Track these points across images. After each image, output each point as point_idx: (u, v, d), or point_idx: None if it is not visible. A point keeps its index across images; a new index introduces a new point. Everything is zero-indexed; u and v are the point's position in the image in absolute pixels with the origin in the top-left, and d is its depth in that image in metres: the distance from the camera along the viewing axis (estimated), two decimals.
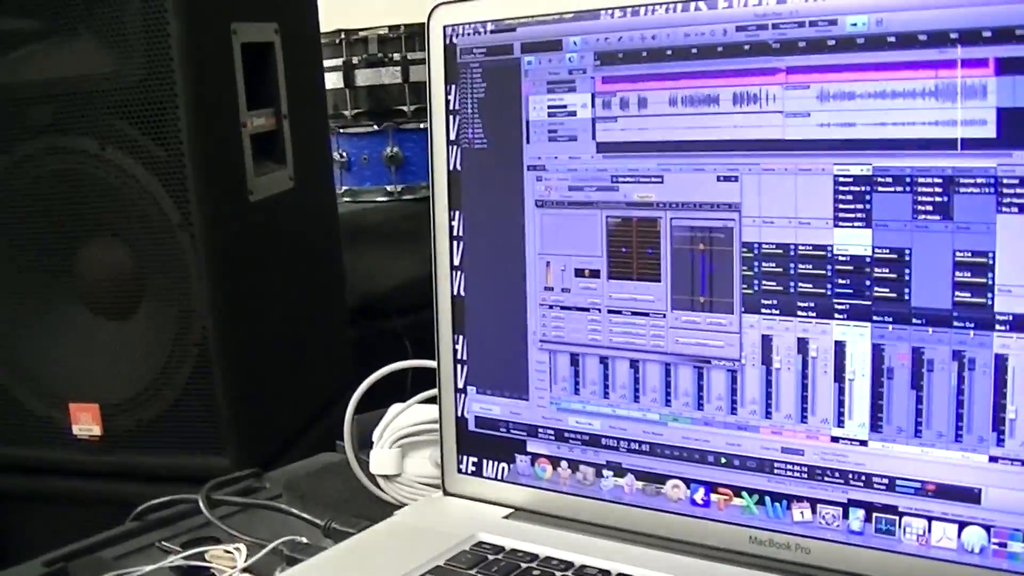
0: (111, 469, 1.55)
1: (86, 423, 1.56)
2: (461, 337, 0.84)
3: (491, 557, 0.75)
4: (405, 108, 2.15)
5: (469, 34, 0.81)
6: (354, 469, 0.94)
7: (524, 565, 0.74)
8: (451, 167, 0.83)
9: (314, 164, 1.80)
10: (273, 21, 1.65)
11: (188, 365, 1.50)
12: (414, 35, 2.13)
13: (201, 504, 0.93)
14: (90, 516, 1.42)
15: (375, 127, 2.17)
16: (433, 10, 0.82)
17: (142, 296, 1.50)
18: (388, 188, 2.18)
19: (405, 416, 0.92)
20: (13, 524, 1.66)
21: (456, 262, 0.83)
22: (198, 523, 0.94)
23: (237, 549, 0.85)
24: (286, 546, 0.83)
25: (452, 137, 0.82)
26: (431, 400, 0.91)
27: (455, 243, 0.83)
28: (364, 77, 2.16)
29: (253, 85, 1.58)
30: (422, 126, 2.13)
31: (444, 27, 0.82)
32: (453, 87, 0.82)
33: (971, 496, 0.66)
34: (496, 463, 0.84)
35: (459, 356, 0.84)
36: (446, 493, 0.86)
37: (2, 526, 1.67)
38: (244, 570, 0.82)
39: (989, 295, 0.64)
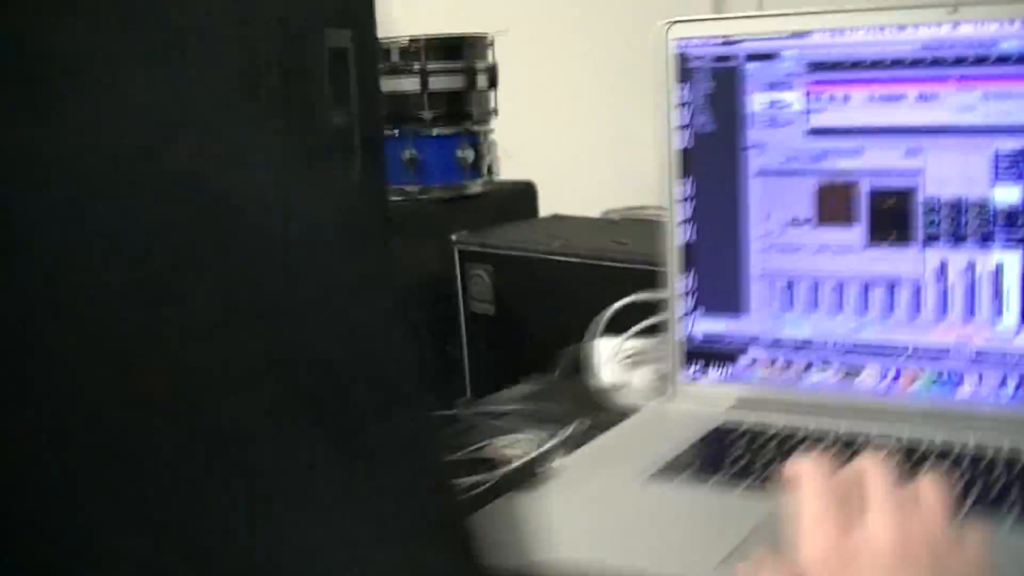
0: None
1: None
2: (692, 272, 1.12)
3: (738, 431, 1.04)
4: (424, 115, 2.38)
5: (699, 45, 1.09)
6: (593, 379, 1.20)
7: (767, 434, 1.02)
8: (682, 145, 1.11)
9: (376, 162, 2.04)
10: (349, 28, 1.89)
11: None
12: (433, 47, 2.36)
13: (463, 413, 1.19)
14: None
15: (395, 132, 2.38)
16: (669, 26, 1.10)
17: None
18: (406, 188, 2.40)
19: (628, 342, 1.20)
20: None
21: (688, 216, 1.12)
22: (457, 431, 1.19)
23: (513, 445, 1.11)
24: (579, 427, 1.09)
25: (684, 123, 1.11)
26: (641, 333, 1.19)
27: (686, 202, 1.11)
28: (386, 85, 2.38)
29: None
30: (437, 132, 2.36)
31: (677, 40, 1.10)
32: (685, 85, 1.10)
33: None
34: (718, 368, 1.12)
35: (689, 287, 1.12)
36: (673, 397, 1.14)
37: None
38: (532, 460, 1.08)
39: None
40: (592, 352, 1.22)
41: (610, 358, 1.20)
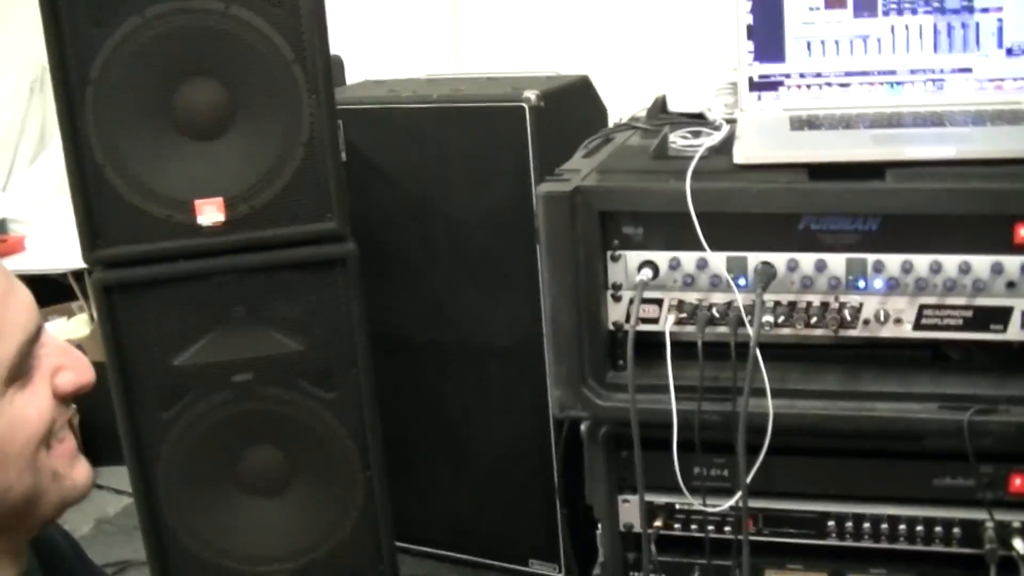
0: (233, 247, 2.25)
1: (211, 213, 2.21)
2: (752, 43, 1.96)
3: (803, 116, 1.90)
4: None
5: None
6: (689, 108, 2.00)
7: (820, 114, 1.90)
8: None
9: None
10: None
11: (298, 158, 2.24)
12: None
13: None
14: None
15: None
16: None
17: (256, 115, 2.20)
18: None
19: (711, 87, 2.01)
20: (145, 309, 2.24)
21: (748, 10, 1.95)
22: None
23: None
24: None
25: None
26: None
27: (748, 2, 1.95)
28: None
29: None
30: None
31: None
32: None
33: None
34: (769, 92, 1.97)
35: (749, 50, 1.96)
36: (741, 113, 1.97)
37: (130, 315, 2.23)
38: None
39: None
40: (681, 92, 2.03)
41: (699, 94, 2.01)
